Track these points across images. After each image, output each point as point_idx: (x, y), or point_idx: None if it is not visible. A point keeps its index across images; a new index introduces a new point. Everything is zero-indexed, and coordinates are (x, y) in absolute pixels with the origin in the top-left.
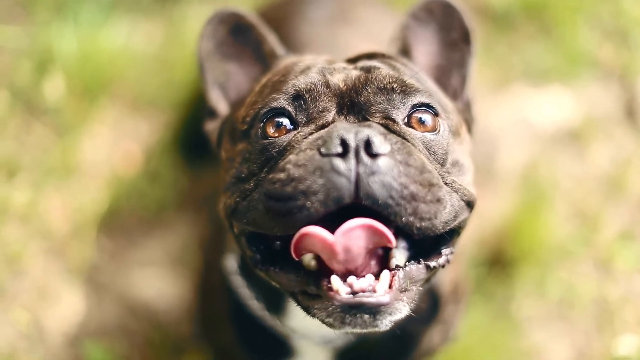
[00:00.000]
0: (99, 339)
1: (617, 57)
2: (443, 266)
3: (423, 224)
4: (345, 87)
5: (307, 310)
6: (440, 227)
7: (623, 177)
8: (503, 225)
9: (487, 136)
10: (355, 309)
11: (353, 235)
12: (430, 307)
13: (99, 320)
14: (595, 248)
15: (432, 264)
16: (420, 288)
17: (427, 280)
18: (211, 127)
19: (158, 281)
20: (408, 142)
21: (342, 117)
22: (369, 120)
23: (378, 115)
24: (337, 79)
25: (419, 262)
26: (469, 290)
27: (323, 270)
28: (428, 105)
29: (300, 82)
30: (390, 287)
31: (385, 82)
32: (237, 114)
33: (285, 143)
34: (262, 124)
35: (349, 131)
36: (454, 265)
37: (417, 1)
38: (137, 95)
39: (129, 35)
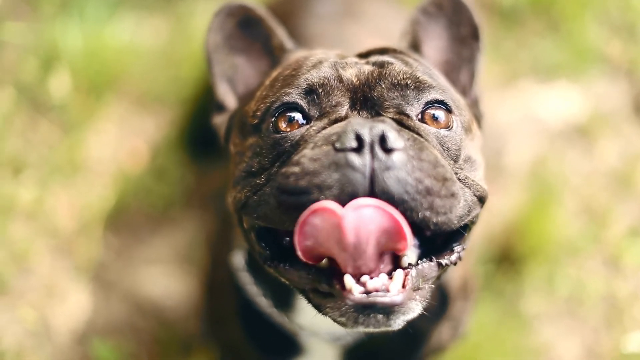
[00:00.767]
0: (106, 337)
1: (625, 53)
2: (455, 263)
3: (439, 218)
4: (358, 82)
5: (319, 308)
6: (456, 222)
7: (631, 173)
8: (511, 221)
9: (495, 132)
10: (369, 309)
11: (364, 214)
12: (439, 303)
13: (106, 318)
14: (604, 244)
15: (443, 261)
16: (432, 286)
17: (438, 277)
18: (219, 121)
19: (165, 279)
20: (422, 137)
21: (355, 112)
22: (382, 115)
23: (391, 111)
24: (350, 74)
25: (430, 260)
26: (477, 286)
27: (334, 268)
28: (442, 102)
29: (313, 76)
30: (403, 286)
31: (399, 78)
32: (247, 108)
33: (298, 137)
34: (273, 118)
35: (364, 126)
36: (462, 261)
37: None
38: (143, 91)
39: (134, 31)
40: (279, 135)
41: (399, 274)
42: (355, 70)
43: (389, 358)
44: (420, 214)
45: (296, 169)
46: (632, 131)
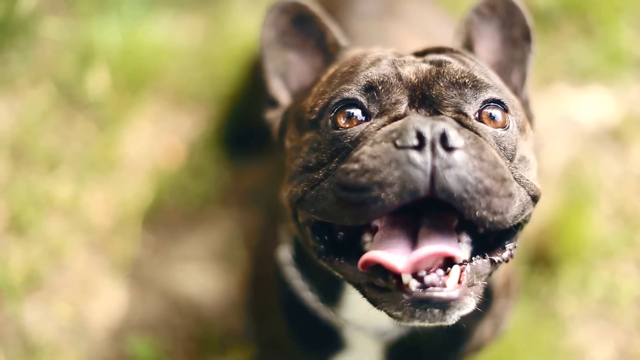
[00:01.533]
0: (142, 334)
1: None
2: (507, 261)
3: (495, 218)
4: (417, 80)
5: (374, 302)
6: (510, 221)
7: None
8: (546, 223)
9: None
10: (426, 303)
11: (423, 262)
12: (482, 300)
13: (142, 315)
14: (637, 248)
15: (496, 258)
16: (485, 283)
17: (490, 274)
18: (272, 116)
19: (201, 276)
20: (480, 136)
21: (413, 110)
22: (441, 114)
23: (450, 110)
24: (409, 72)
25: (483, 257)
26: (519, 285)
27: None
28: (499, 101)
29: (373, 73)
30: (459, 282)
31: (457, 77)
32: (304, 104)
33: (357, 134)
34: (332, 114)
35: (425, 124)
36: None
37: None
38: (179, 89)
39: (171, 29)
40: (338, 131)
41: (455, 269)
42: (413, 69)
43: (431, 354)
44: (477, 213)
45: (356, 166)
46: None
